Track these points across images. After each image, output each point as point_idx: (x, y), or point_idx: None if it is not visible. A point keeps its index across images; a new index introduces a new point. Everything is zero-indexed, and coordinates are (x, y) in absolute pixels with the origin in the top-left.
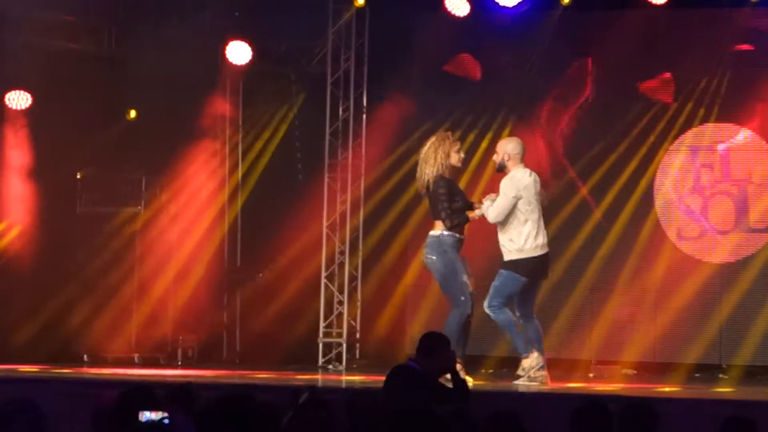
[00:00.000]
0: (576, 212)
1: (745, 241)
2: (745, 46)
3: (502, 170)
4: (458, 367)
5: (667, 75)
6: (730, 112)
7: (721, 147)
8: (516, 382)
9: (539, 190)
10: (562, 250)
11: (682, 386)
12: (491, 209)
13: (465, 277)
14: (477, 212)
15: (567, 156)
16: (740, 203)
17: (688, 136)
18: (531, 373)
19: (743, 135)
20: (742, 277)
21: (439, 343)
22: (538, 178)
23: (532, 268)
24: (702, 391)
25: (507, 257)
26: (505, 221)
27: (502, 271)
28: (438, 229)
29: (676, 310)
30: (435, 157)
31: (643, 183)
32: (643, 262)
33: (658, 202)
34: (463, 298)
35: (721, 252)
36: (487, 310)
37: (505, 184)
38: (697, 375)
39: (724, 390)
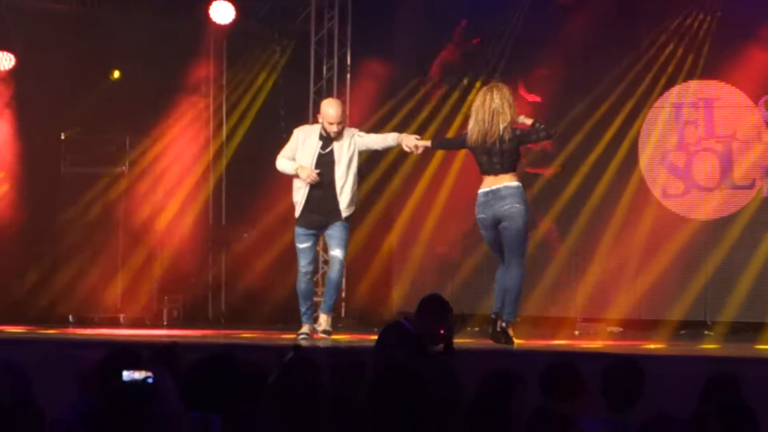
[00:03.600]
0: (564, 173)
1: (730, 198)
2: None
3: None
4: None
5: (650, 33)
6: (714, 68)
7: (705, 104)
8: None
9: None
10: (546, 208)
11: (668, 343)
12: None
13: None
14: None
15: (551, 116)
16: (725, 160)
17: (672, 93)
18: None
19: (727, 91)
20: (727, 234)
21: (440, 308)
22: None
23: None
24: (687, 348)
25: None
26: (351, 176)
27: (346, 223)
28: (515, 181)
29: (661, 267)
30: (510, 110)
31: (627, 141)
32: (629, 220)
33: (643, 159)
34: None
35: (705, 209)
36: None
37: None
38: (682, 332)
39: (710, 347)
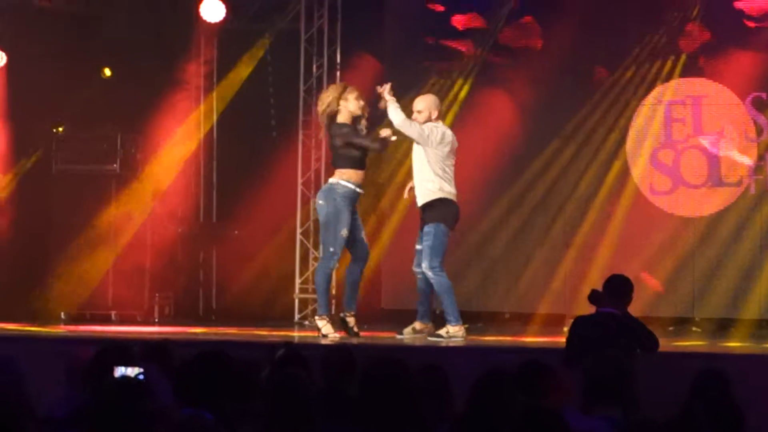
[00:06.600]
0: (551, 169)
1: (717, 195)
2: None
3: None
4: (351, 321)
5: (638, 30)
6: (702, 66)
7: (692, 101)
8: (432, 339)
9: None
10: (531, 206)
11: None
12: (405, 121)
13: (345, 232)
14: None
15: (538, 113)
16: (712, 157)
17: (660, 91)
18: (450, 340)
19: (714, 89)
20: (715, 231)
21: (630, 287)
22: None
23: (454, 216)
24: (675, 345)
25: (427, 198)
26: (420, 167)
27: (430, 228)
28: (335, 177)
29: (649, 265)
30: (328, 103)
31: (614, 138)
32: (616, 216)
33: (630, 156)
34: (332, 249)
35: (693, 206)
36: (428, 272)
37: (431, 126)
38: (670, 328)
39: (697, 343)
